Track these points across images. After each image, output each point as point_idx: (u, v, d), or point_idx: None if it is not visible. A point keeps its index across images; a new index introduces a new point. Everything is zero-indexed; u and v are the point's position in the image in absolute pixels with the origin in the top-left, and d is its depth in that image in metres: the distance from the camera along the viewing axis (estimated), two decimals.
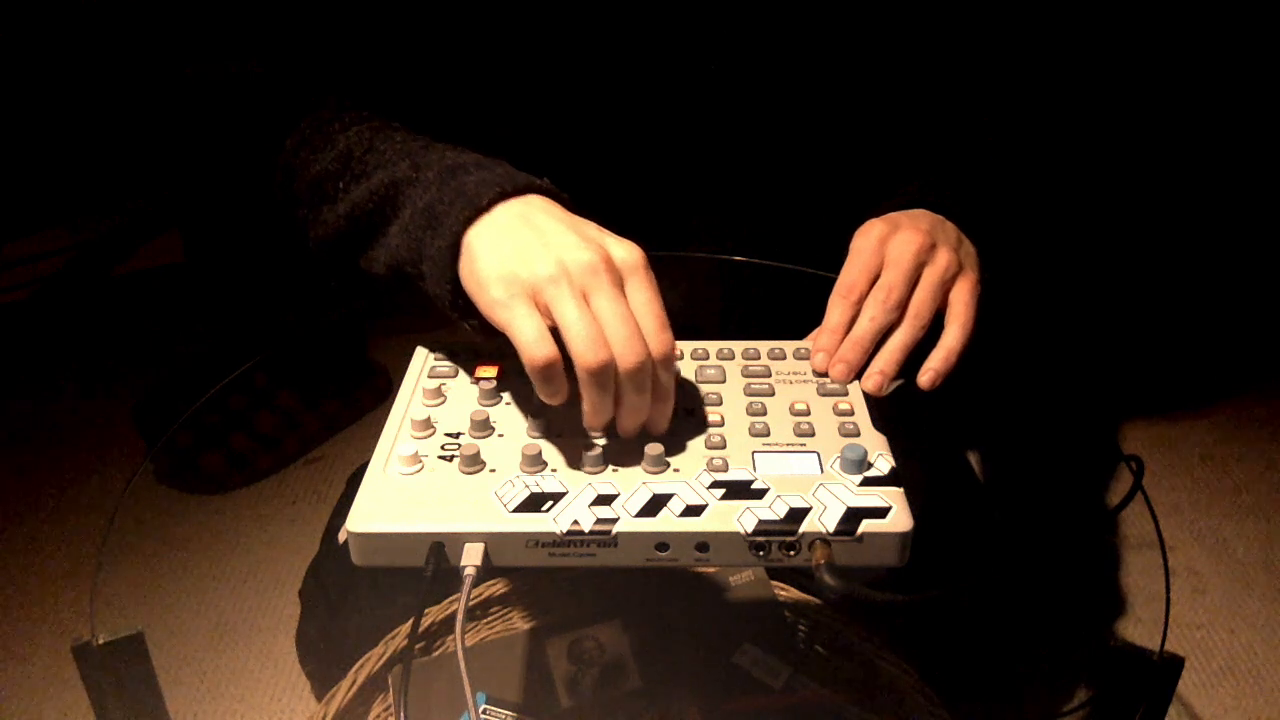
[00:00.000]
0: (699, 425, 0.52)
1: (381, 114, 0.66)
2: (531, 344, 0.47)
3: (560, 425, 0.51)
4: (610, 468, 0.48)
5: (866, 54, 0.73)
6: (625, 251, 0.50)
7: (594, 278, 0.48)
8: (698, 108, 0.73)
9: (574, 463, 0.49)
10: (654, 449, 0.48)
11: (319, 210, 0.63)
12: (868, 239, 0.60)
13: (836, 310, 0.59)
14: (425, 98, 0.71)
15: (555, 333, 0.47)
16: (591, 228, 0.51)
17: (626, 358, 0.47)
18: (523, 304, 0.48)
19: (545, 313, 0.48)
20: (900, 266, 0.58)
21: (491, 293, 0.49)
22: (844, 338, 0.58)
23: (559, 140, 0.74)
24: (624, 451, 0.49)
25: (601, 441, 0.50)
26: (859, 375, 0.57)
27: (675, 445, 0.50)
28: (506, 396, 0.54)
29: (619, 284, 0.49)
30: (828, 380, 0.56)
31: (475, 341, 0.55)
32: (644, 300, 0.49)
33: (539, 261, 0.48)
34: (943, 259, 0.59)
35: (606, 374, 0.47)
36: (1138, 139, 1.54)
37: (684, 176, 0.75)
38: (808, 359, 0.58)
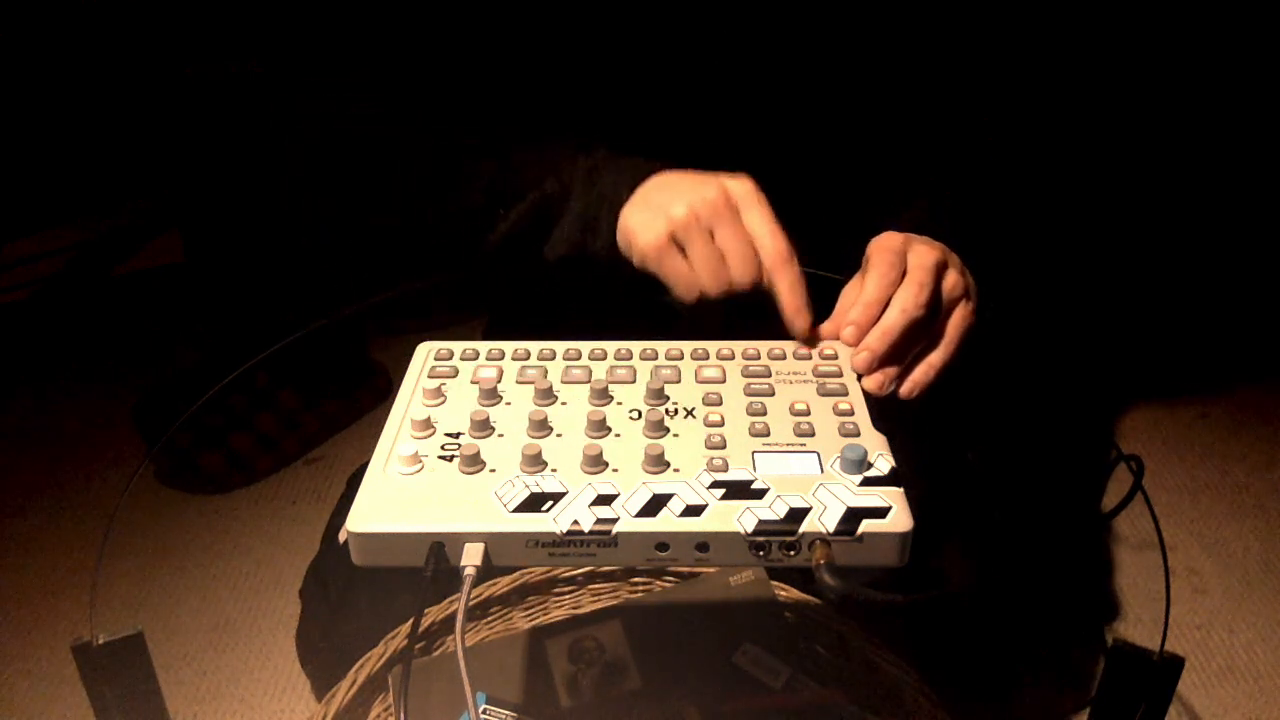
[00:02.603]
0: (699, 425, 0.52)
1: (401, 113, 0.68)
2: (682, 291, 0.60)
3: (560, 425, 0.51)
4: (610, 468, 0.48)
5: (869, 59, 0.73)
6: (736, 184, 0.61)
7: (714, 215, 0.59)
8: (698, 109, 0.73)
9: (574, 463, 0.49)
10: (654, 449, 0.48)
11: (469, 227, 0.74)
12: (889, 244, 0.61)
13: (874, 283, 0.58)
14: (439, 94, 0.71)
15: None
16: (704, 175, 0.62)
17: (741, 278, 0.59)
18: (669, 253, 0.60)
19: (684, 251, 0.60)
20: (926, 269, 0.59)
21: (639, 247, 0.61)
22: (876, 317, 0.58)
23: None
24: (624, 451, 0.49)
25: (601, 442, 0.50)
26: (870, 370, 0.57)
27: (675, 445, 0.50)
28: (506, 396, 0.54)
29: (735, 213, 0.59)
30: (828, 380, 0.56)
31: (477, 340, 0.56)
32: (756, 219, 0.60)
33: (674, 209, 0.60)
34: (952, 278, 0.61)
35: (730, 293, 0.59)
36: (1138, 137, 1.54)
37: None
38: (808, 359, 0.58)
